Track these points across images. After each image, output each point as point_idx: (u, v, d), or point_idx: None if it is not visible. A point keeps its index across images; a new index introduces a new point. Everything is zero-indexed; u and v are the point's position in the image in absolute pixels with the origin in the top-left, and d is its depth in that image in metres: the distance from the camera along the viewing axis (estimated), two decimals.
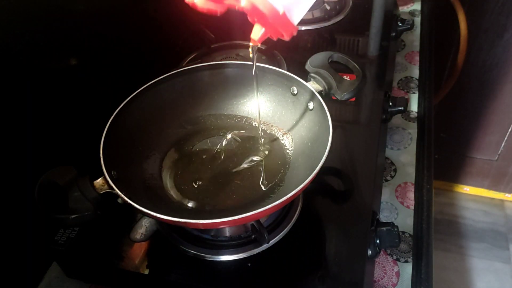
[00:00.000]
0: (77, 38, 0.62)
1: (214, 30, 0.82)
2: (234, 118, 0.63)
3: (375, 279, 0.56)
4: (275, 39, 0.44)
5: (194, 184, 0.55)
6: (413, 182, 0.68)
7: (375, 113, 0.69)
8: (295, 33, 0.43)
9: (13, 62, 0.52)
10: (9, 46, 0.51)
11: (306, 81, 0.57)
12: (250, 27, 0.43)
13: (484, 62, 1.28)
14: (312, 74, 0.58)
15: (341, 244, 0.53)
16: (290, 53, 0.80)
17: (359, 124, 0.71)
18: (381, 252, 0.59)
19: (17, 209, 0.55)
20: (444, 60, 1.31)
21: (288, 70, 0.59)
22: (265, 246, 0.52)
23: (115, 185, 0.46)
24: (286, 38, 0.43)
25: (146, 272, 0.52)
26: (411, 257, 0.58)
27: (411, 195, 0.66)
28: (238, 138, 0.60)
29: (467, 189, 1.63)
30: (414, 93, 0.84)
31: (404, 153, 0.73)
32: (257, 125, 0.61)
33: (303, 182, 0.45)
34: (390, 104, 0.71)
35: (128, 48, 0.73)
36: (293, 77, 0.57)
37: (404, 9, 1.06)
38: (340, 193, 0.59)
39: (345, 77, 0.57)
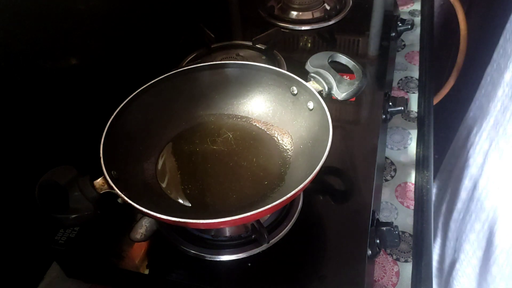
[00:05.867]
0: (77, 38, 0.62)
1: (214, 30, 0.82)
2: (234, 118, 0.63)
3: (375, 279, 0.56)
4: None
5: (194, 184, 0.55)
6: (413, 182, 0.68)
7: (375, 113, 0.70)
8: None
9: (13, 62, 0.52)
10: (9, 46, 0.51)
11: (306, 81, 0.57)
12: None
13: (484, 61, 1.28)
14: (312, 74, 0.58)
15: (341, 244, 0.53)
16: (290, 53, 0.80)
17: (359, 124, 0.71)
18: (381, 252, 0.59)
19: (17, 209, 0.55)
20: (444, 60, 1.31)
21: (288, 70, 0.59)
22: (265, 246, 0.52)
23: (115, 185, 0.46)
24: None
25: (146, 272, 0.52)
26: (411, 257, 0.58)
27: (411, 195, 0.66)
28: (238, 138, 0.60)
29: None
30: (414, 93, 0.84)
31: (404, 153, 0.73)
32: (257, 125, 0.61)
33: (303, 182, 0.45)
34: (390, 104, 0.71)
35: (128, 48, 0.74)
36: (293, 77, 0.57)
37: (404, 9, 1.06)
38: (340, 193, 0.59)
39: (345, 77, 0.57)
